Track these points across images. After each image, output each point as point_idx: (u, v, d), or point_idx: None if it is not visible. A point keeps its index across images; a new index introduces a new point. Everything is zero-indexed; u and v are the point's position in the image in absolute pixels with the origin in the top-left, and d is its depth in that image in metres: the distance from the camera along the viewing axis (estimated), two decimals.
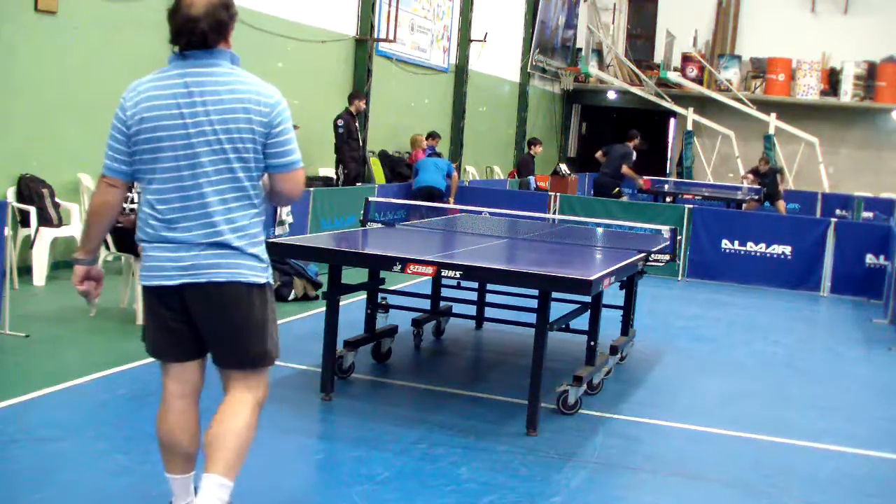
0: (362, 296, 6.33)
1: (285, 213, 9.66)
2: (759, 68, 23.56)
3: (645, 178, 16.47)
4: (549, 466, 4.58)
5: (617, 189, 14.73)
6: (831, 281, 10.96)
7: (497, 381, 6.21)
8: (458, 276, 5.05)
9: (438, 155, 13.15)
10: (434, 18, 16.76)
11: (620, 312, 6.86)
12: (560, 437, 5.02)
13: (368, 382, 5.93)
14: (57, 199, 8.56)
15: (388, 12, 14.47)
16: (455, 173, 12.57)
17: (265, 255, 3.35)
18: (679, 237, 9.37)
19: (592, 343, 5.80)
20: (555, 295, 5.20)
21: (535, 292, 4.99)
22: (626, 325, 6.89)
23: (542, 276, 4.89)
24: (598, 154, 15.20)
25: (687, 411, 5.80)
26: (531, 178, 17.15)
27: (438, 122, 17.08)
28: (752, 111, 20.93)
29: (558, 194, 12.97)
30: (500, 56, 19.82)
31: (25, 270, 8.10)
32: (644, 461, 4.83)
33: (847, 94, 22.71)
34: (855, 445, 5.34)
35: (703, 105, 22.21)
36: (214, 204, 3.21)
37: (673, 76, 22.63)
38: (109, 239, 7.03)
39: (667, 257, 6.42)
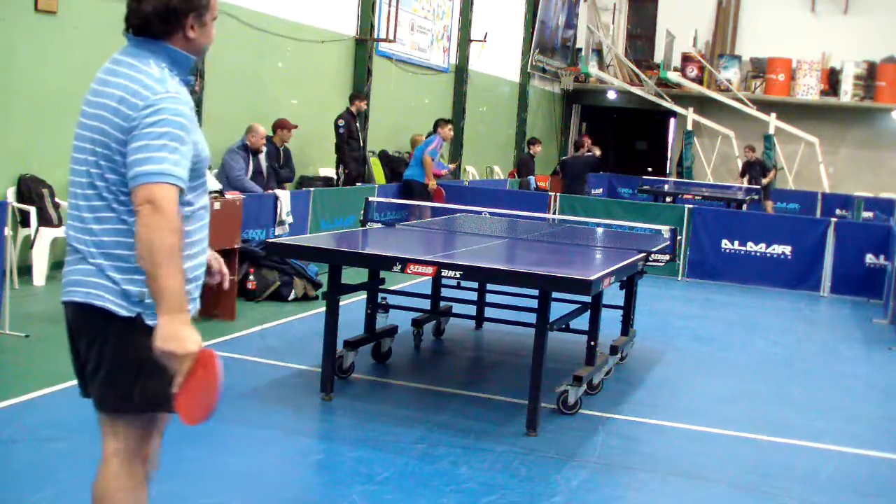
0: (362, 296, 6.33)
1: (285, 213, 9.67)
2: (759, 68, 23.56)
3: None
4: (549, 466, 4.58)
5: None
6: (831, 281, 10.95)
7: (497, 381, 6.21)
8: (458, 276, 5.06)
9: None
10: (434, 18, 16.76)
11: (620, 312, 6.86)
12: (560, 437, 5.02)
13: (368, 382, 5.93)
14: (57, 199, 8.56)
15: (388, 12, 14.47)
16: (425, 155, 11.93)
17: (130, 285, 2.64)
18: (679, 237, 9.38)
19: (592, 343, 5.80)
20: (555, 295, 5.20)
21: (535, 292, 4.99)
22: (626, 325, 6.89)
23: (542, 276, 4.89)
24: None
25: (687, 411, 5.80)
26: (531, 178, 17.16)
27: None
28: (752, 111, 20.93)
29: (558, 194, 12.97)
30: (500, 56, 19.82)
31: (25, 270, 8.09)
32: (644, 461, 4.83)
33: (847, 94, 22.71)
34: (855, 445, 5.34)
35: (703, 105, 22.20)
36: (83, 210, 2.73)
37: (673, 76, 22.63)
38: None
39: (667, 257, 6.42)
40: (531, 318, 5.34)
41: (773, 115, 20.60)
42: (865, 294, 10.65)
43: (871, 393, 6.75)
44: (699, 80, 23.27)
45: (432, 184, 11.66)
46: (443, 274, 5.05)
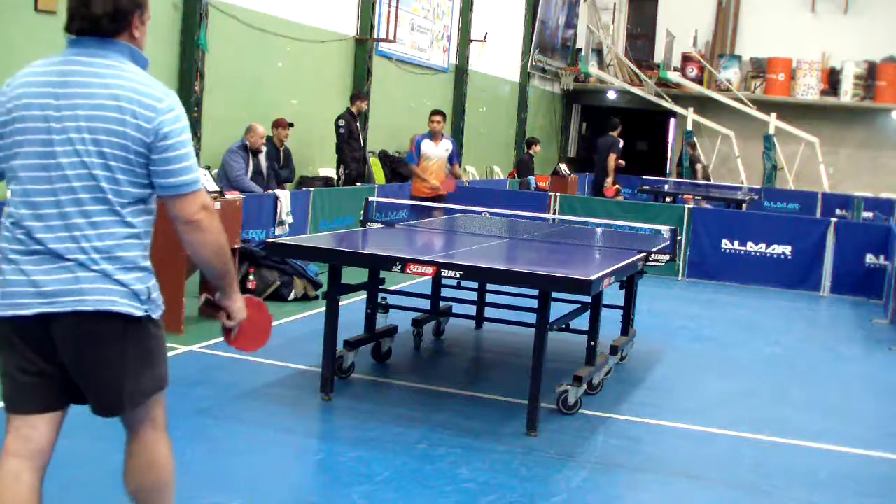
0: (362, 296, 6.34)
1: (285, 213, 9.67)
2: (759, 68, 23.56)
3: (615, 186, 15.71)
4: (549, 466, 4.58)
5: (608, 186, 14.68)
6: (831, 281, 10.95)
7: (497, 381, 6.21)
8: (458, 276, 5.06)
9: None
10: (434, 18, 16.76)
11: (620, 312, 6.86)
12: (560, 437, 5.02)
13: (368, 382, 5.93)
14: None
15: (388, 12, 14.47)
16: (412, 164, 10.70)
17: (140, 284, 2.72)
18: (679, 237, 9.38)
19: (592, 343, 5.80)
20: (555, 295, 5.20)
21: (535, 292, 4.99)
22: (626, 325, 6.89)
23: (542, 276, 4.89)
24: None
25: (687, 411, 5.80)
26: (531, 178, 17.16)
27: None
28: (752, 111, 20.93)
29: (558, 194, 12.97)
30: (500, 56, 19.83)
31: None
32: (644, 461, 4.83)
33: (847, 94, 22.71)
34: (855, 445, 5.34)
35: (703, 105, 22.20)
36: (74, 217, 2.64)
37: (673, 76, 22.63)
38: None
39: (667, 257, 6.42)
40: (531, 318, 5.34)
41: (773, 115, 20.59)
42: (865, 294, 10.66)
43: (871, 393, 6.75)
44: (699, 80, 23.28)
45: (431, 180, 10.71)
46: (443, 274, 5.05)
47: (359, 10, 13.99)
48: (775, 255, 11.17)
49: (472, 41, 18.17)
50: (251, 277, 8.02)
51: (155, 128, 2.64)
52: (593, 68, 23.22)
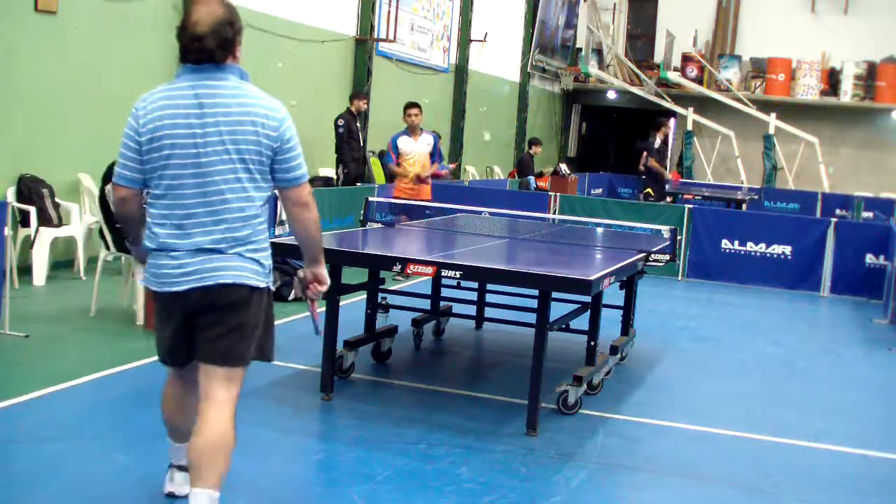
0: (362, 296, 6.33)
1: (286, 213, 9.63)
2: (759, 68, 23.56)
3: (673, 171, 15.84)
4: (549, 466, 4.57)
5: (647, 189, 14.42)
6: (831, 281, 10.95)
7: (497, 381, 6.21)
8: (458, 276, 5.05)
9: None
10: (434, 18, 16.76)
11: (620, 312, 6.86)
12: (560, 437, 5.02)
13: (368, 382, 5.93)
14: (57, 199, 8.56)
15: (388, 12, 14.47)
16: (390, 164, 10.18)
17: (268, 262, 3.46)
18: (679, 237, 9.37)
19: (592, 343, 5.80)
20: (555, 295, 5.20)
21: (535, 292, 4.99)
22: (626, 325, 6.89)
23: (542, 276, 4.88)
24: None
25: (687, 411, 5.80)
26: (531, 178, 17.17)
27: (438, 122, 17.08)
28: (752, 111, 20.94)
29: (558, 194, 12.97)
30: (500, 56, 19.83)
31: (25, 270, 8.10)
32: (644, 461, 4.83)
33: (847, 94, 22.71)
34: (855, 445, 5.34)
35: (703, 105, 22.21)
36: (219, 211, 3.31)
37: (673, 76, 22.63)
38: (109, 239, 7.03)
39: (667, 257, 6.42)
40: (531, 318, 5.34)
41: (773, 115, 20.61)
42: (865, 294, 10.65)
43: (870, 393, 6.75)
44: (699, 80, 23.28)
45: (411, 175, 9.87)
46: (443, 274, 5.05)
47: (359, 10, 13.99)
48: (775, 255, 11.17)
49: (472, 41, 18.17)
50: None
51: (279, 135, 3.34)
52: (593, 68, 23.22)
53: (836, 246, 10.94)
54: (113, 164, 6.85)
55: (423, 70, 16.57)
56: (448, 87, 17.87)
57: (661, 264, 6.42)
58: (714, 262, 11.33)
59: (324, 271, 3.67)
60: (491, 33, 18.65)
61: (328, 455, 4.62)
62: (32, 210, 8.16)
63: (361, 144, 12.63)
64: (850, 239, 10.95)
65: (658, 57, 24.37)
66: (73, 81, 8.93)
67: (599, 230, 8.56)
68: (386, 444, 4.69)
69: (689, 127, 21.92)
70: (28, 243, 8.16)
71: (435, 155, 10.17)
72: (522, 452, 4.73)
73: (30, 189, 8.32)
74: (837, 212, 17.53)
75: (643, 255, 6.20)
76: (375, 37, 14.15)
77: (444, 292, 7.07)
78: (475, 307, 7.25)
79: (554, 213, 12.01)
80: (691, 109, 21.80)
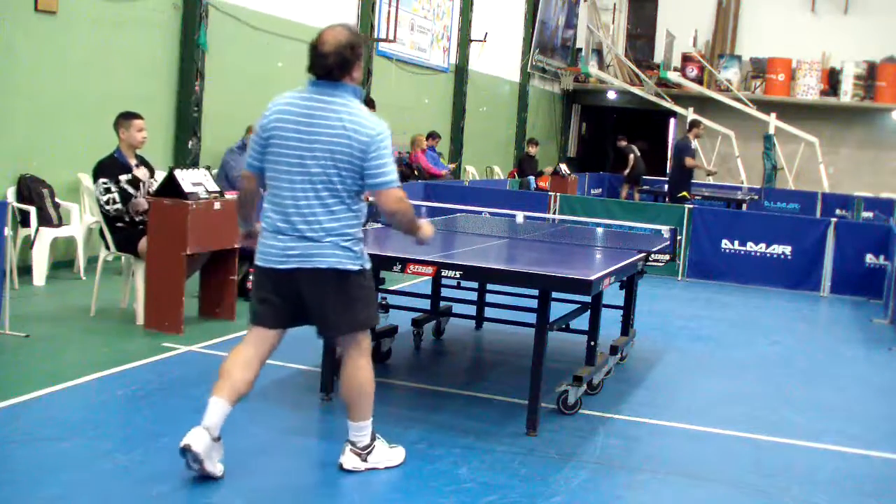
0: None
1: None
2: (759, 68, 23.56)
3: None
4: (549, 466, 4.58)
5: (684, 193, 13.86)
6: (831, 281, 10.95)
7: (497, 381, 6.21)
8: (458, 276, 5.05)
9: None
10: (434, 18, 16.76)
11: (620, 312, 6.86)
12: (560, 437, 5.02)
13: None
14: (57, 199, 8.56)
15: (388, 12, 14.47)
16: None
17: (357, 248, 4.10)
18: (679, 237, 9.37)
19: (592, 343, 5.80)
20: (555, 295, 5.20)
21: (535, 292, 4.99)
22: (626, 325, 6.89)
23: (542, 276, 4.88)
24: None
25: (687, 411, 5.80)
26: (531, 178, 17.17)
27: (438, 122, 17.08)
28: (752, 111, 20.93)
29: (558, 194, 12.97)
30: (500, 56, 19.83)
31: (25, 270, 8.10)
32: (644, 461, 4.82)
33: (847, 94, 22.71)
34: (855, 445, 5.35)
35: (703, 105, 22.20)
36: (316, 206, 3.99)
37: (673, 76, 22.62)
38: (109, 239, 7.03)
39: (667, 257, 6.42)
40: (531, 318, 5.34)
41: (773, 115, 20.59)
42: (865, 294, 10.66)
43: (871, 393, 6.75)
44: (699, 80, 23.27)
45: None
46: (443, 274, 5.05)
47: (359, 10, 13.99)
48: (775, 255, 11.17)
49: (472, 41, 18.17)
50: (251, 277, 7.99)
51: (367, 147, 3.96)
52: (593, 68, 23.22)
53: (836, 246, 10.95)
54: (101, 161, 6.89)
55: (423, 70, 16.57)
56: (448, 87, 17.87)
57: (661, 264, 6.43)
58: (714, 262, 11.33)
59: (422, 237, 4.37)
60: (491, 33, 18.65)
61: (328, 455, 4.62)
62: (32, 210, 8.16)
63: None
64: (850, 239, 10.96)
65: (658, 57, 24.36)
66: (73, 81, 8.93)
67: (599, 230, 8.56)
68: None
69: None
70: (28, 243, 8.16)
71: None
72: (522, 452, 4.73)
73: (30, 189, 8.32)
74: (837, 212, 17.53)
75: (643, 255, 6.20)
76: (375, 37, 14.15)
77: (444, 292, 7.08)
78: (475, 307, 7.25)
79: (554, 213, 12.01)
80: (691, 109, 21.76)
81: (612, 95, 24.94)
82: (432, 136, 15.63)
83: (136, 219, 6.92)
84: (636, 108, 24.21)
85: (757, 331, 8.65)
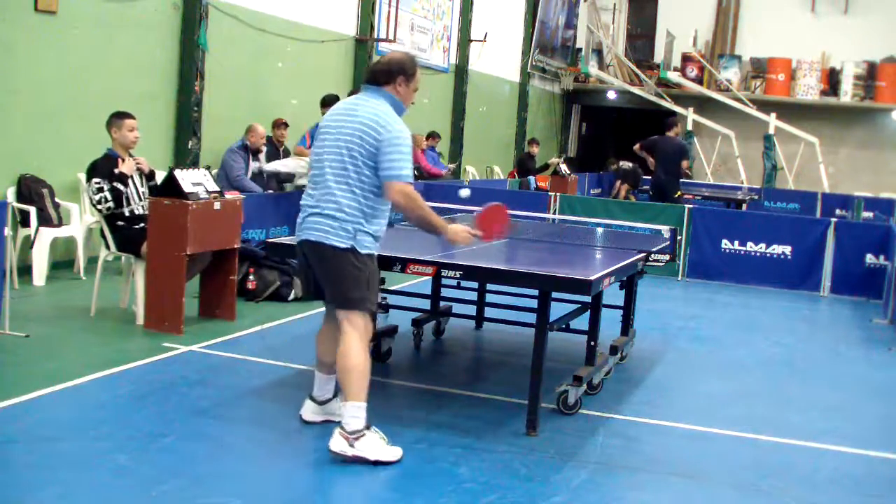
0: None
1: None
2: (759, 68, 23.56)
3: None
4: (549, 466, 4.58)
5: (679, 192, 13.62)
6: (831, 281, 10.95)
7: (497, 381, 6.21)
8: (458, 276, 5.06)
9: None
10: (434, 18, 16.76)
11: (620, 312, 6.86)
12: (560, 437, 5.02)
13: (368, 382, 5.92)
14: (57, 199, 8.56)
15: (388, 12, 14.47)
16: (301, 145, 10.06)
17: (351, 229, 4.41)
18: (679, 237, 9.37)
19: (592, 343, 5.79)
20: (555, 295, 5.20)
21: (535, 292, 4.99)
22: (626, 325, 6.89)
23: (542, 276, 4.88)
24: (638, 147, 13.86)
25: (687, 411, 5.80)
26: (531, 178, 17.17)
27: (438, 122, 17.08)
28: (752, 111, 20.93)
29: (558, 194, 12.96)
30: (500, 56, 19.82)
31: (25, 270, 8.10)
32: (644, 461, 4.83)
33: (847, 94, 22.71)
34: (855, 445, 5.34)
35: (703, 105, 22.21)
36: (333, 188, 4.43)
37: (673, 76, 22.63)
38: (110, 239, 7.02)
39: (667, 257, 6.41)
40: (531, 318, 5.34)
41: (773, 115, 20.60)
42: (865, 294, 10.65)
43: (871, 393, 6.75)
44: (699, 80, 23.28)
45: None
46: (443, 274, 5.05)
47: (359, 10, 13.99)
48: (775, 255, 11.17)
49: (472, 41, 18.17)
50: (251, 277, 8.02)
51: (379, 143, 4.38)
52: (593, 68, 23.23)
53: (836, 246, 10.94)
54: (94, 161, 6.90)
55: (423, 70, 16.52)
56: (448, 87, 17.87)
57: (661, 264, 6.42)
58: (714, 262, 11.33)
59: (453, 237, 4.64)
60: (491, 33, 18.65)
61: (328, 455, 4.62)
62: (32, 210, 8.16)
63: None
64: (850, 239, 10.95)
65: (658, 57, 24.37)
66: (73, 81, 8.93)
67: (599, 230, 8.56)
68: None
69: (690, 127, 21.91)
70: (28, 243, 8.15)
71: None
72: (522, 452, 4.73)
73: (30, 189, 8.32)
74: (837, 212, 17.53)
75: (643, 255, 6.20)
76: (375, 37, 14.15)
77: (444, 292, 7.08)
78: (475, 307, 7.25)
79: (554, 213, 12.01)
80: (691, 109, 21.79)
81: (612, 95, 24.94)
82: (432, 136, 15.63)
83: (137, 212, 6.93)
84: (636, 108, 24.21)
85: (757, 331, 8.65)
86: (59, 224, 8.49)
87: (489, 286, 7.16)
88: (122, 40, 9.44)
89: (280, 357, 6.25)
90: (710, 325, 8.74)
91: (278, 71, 11.90)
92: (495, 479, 4.34)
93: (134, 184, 6.97)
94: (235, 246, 7.12)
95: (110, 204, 6.81)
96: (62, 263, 8.77)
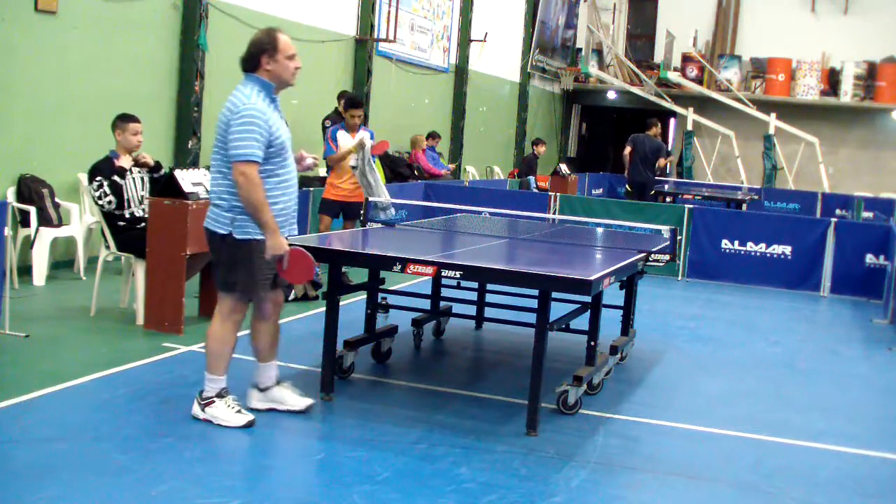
0: (362, 296, 6.33)
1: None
2: (759, 68, 23.56)
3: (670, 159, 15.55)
4: (549, 466, 4.58)
5: (653, 191, 14.30)
6: (831, 281, 10.95)
7: (497, 381, 6.21)
8: (458, 276, 5.05)
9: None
10: (434, 18, 16.76)
11: (620, 312, 6.86)
12: (560, 437, 5.02)
13: (368, 382, 5.93)
14: (57, 199, 8.56)
15: (388, 12, 14.48)
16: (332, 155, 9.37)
17: (229, 215, 4.61)
18: (679, 237, 9.37)
19: (592, 343, 5.79)
20: (555, 295, 5.20)
21: (535, 292, 4.99)
22: (626, 325, 6.89)
23: (542, 276, 4.88)
24: (628, 152, 14.55)
25: (687, 411, 5.80)
26: (531, 178, 17.17)
27: (438, 122, 17.09)
28: (752, 111, 20.93)
29: (558, 194, 12.97)
30: (500, 56, 19.83)
31: (25, 270, 8.10)
32: (644, 461, 4.83)
33: (847, 94, 22.70)
34: (855, 445, 5.35)
35: (703, 105, 22.21)
36: (215, 175, 4.67)
37: (673, 76, 22.63)
38: (110, 238, 7.02)
39: (667, 257, 6.41)
40: (531, 318, 5.34)
41: (773, 115, 20.60)
42: (865, 294, 10.65)
43: (871, 393, 6.75)
44: (699, 80, 23.28)
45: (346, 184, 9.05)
46: (443, 274, 5.05)
47: (359, 10, 13.99)
48: (775, 255, 11.17)
49: (472, 41, 18.17)
50: None
51: (228, 121, 4.56)
52: (593, 68, 23.23)
53: (836, 246, 10.95)
54: (95, 163, 6.89)
55: (423, 70, 16.57)
56: (448, 87, 17.87)
57: (661, 264, 6.42)
58: (714, 262, 11.33)
59: (272, 245, 4.61)
60: (491, 33, 18.66)
61: (328, 455, 4.62)
62: (32, 210, 8.16)
63: None
64: (850, 239, 10.95)
65: (658, 57, 24.37)
66: (73, 81, 8.94)
67: (599, 230, 8.56)
68: (386, 444, 4.70)
69: (689, 127, 21.92)
70: (28, 243, 8.16)
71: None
72: (522, 452, 4.73)
73: (30, 189, 8.32)
74: (837, 212, 17.54)
75: (643, 255, 6.20)
76: (375, 37, 14.16)
77: (444, 292, 7.07)
78: (475, 307, 7.25)
79: (554, 213, 12.01)
80: (691, 109, 21.79)
81: (612, 95, 24.94)
82: (432, 136, 15.63)
83: (137, 215, 6.93)
84: (636, 108, 24.20)
85: (757, 331, 8.65)
86: (59, 224, 8.49)
87: (489, 286, 7.16)
88: (122, 40, 9.44)
89: (280, 357, 6.22)
90: (710, 325, 8.75)
91: None
92: (495, 479, 4.34)
93: (134, 184, 6.97)
94: None
95: (111, 198, 6.81)
96: (62, 263, 8.77)
